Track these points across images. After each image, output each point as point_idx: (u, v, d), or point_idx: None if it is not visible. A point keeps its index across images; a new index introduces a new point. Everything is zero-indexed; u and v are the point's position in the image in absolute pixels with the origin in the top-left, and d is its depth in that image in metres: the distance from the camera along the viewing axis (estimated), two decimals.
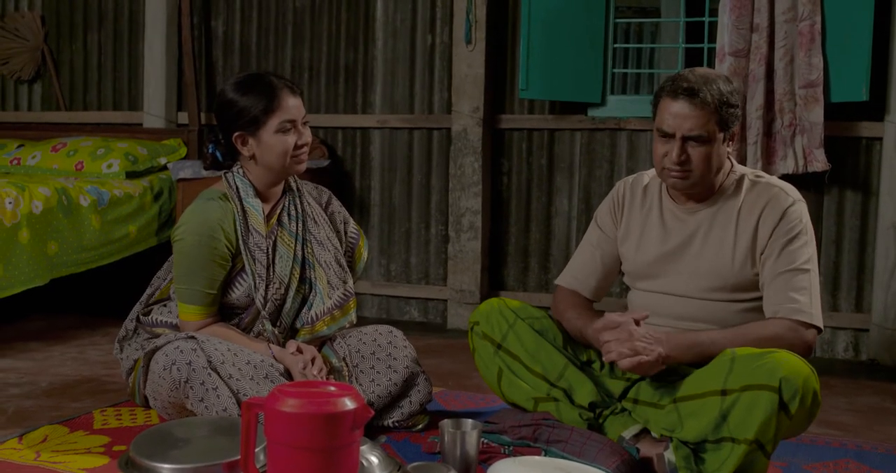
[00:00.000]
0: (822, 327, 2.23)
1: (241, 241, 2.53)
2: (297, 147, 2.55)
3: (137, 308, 2.71)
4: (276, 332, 2.56)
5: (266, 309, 2.54)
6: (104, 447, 2.36)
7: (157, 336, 2.59)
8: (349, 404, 1.72)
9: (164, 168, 4.53)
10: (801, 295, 2.21)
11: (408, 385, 2.58)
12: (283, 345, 2.55)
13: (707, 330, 2.24)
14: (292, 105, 2.54)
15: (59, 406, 2.79)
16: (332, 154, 4.62)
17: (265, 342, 2.53)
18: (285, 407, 1.70)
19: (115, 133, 4.85)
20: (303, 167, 2.60)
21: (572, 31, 4.15)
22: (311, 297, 2.62)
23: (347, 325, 2.66)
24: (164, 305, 2.67)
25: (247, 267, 2.53)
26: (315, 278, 2.62)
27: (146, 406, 2.61)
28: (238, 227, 2.53)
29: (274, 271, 2.57)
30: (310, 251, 2.64)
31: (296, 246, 2.62)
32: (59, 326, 4.08)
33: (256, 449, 1.86)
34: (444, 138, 4.46)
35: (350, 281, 2.69)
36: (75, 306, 4.48)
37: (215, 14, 4.89)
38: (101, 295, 4.50)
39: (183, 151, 4.69)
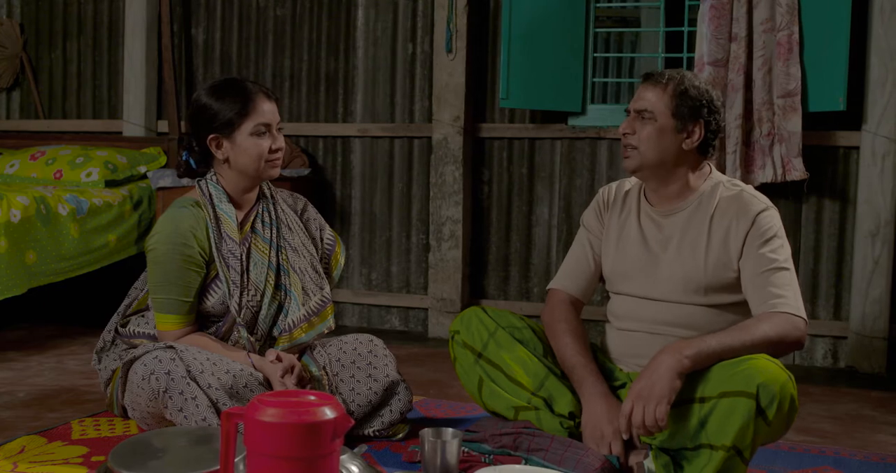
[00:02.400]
0: (807, 319, 2.25)
1: (214, 248, 2.52)
2: (271, 151, 2.55)
3: (115, 319, 2.69)
4: (253, 340, 2.55)
5: (241, 315, 2.53)
6: (82, 457, 2.34)
7: (136, 347, 2.57)
8: (329, 413, 1.71)
9: (144, 176, 4.51)
10: (784, 291, 2.22)
11: (388, 393, 2.57)
12: (260, 354, 2.55)
13: (714, 336, 2.16)
14: (267, 109, 2.54)
15: (37, 417, 2.77)
16: (312, 163, 4.61)
17: (244, 351, 2.52)
18: (265, 417, 1.69)
19: (94, 141, 4.82)
20: (276, 172, 2.60)
21: (553, 41, 4.17)
22: (286, 304, 2.62)
23: (326, 331, 2.65)
24: (142, 316, 2.66)
25: (220, 274, 2.52)
26: (290, 285, 2.62)
27: (124, 416, 2.59)
28: (211, 234, 2.52)
29: (248, 278, 2.56)
30: (284, 257, 2.63)
31: (270, 252, 2.61)
32: (37, 336, 4.05)
33: (236, 459, 1.85)
34: (425, 147, 4.47)
35: (327, 288, 2.69)
36: (55, 315, 4.45)
37: (196, 22, 4.88)
38: (80, 304, 4.46)
39: (163, 160, 4.66)
